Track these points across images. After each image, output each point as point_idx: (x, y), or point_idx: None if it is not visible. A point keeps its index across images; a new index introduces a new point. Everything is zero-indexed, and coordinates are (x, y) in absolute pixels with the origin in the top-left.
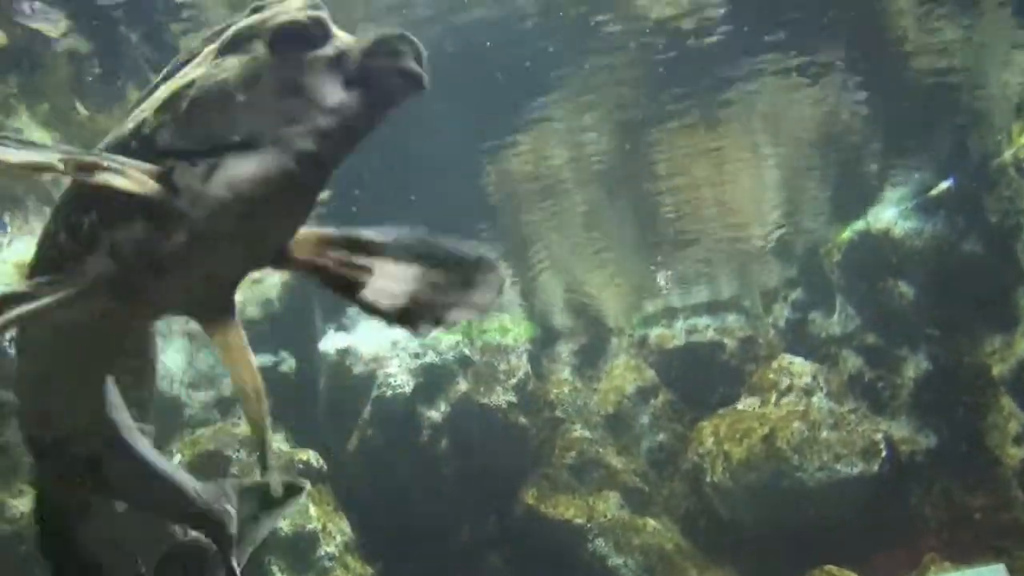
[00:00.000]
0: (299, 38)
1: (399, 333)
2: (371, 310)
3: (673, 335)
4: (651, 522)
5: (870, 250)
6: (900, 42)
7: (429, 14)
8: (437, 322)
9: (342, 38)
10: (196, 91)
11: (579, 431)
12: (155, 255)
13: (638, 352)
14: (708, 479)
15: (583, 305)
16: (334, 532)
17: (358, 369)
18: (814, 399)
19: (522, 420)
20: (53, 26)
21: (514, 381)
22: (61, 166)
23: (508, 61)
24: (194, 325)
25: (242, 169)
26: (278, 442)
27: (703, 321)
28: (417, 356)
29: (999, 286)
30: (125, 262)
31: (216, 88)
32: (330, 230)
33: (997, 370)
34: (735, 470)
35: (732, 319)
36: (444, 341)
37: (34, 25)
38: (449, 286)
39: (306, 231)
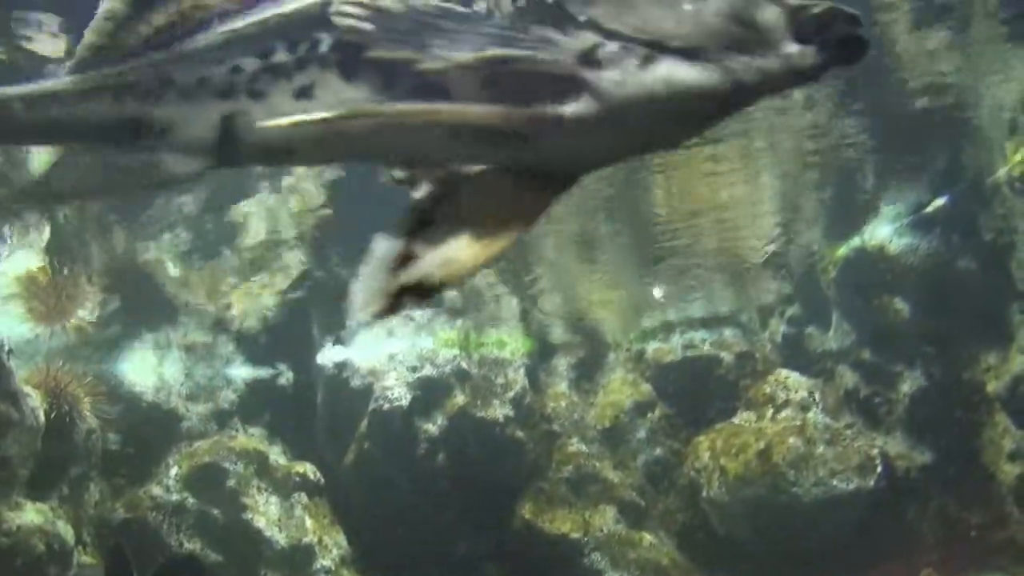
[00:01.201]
0: None
1: (397, 346)
2: None
3: (670, 349)
4: (647, 536)
5: (866, 266)
6: (895, 60)
7: None
8: None
9: None
10: None
11: (576, 445)
12: (553, 116)
13: (635, 366)
14: (704, 494)
15: (581, 319)
16: (330, 545)
17: (355, 382)
18: (810, 414)
19: (519, 434)
20: (54, 47)
21: (511, 395)
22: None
23: None
24: (191, 338)
25: (685, 73)
26: (275, 455)
27: (700, 336)
28: (414, 369)
29: (994, 303)
30: (504, 107)
31: None
32: None
33: (992, 387)
34: (731, 485)
35: (729, 334)
36: (442, 354)
37: (34, 48)
38: None
39: None
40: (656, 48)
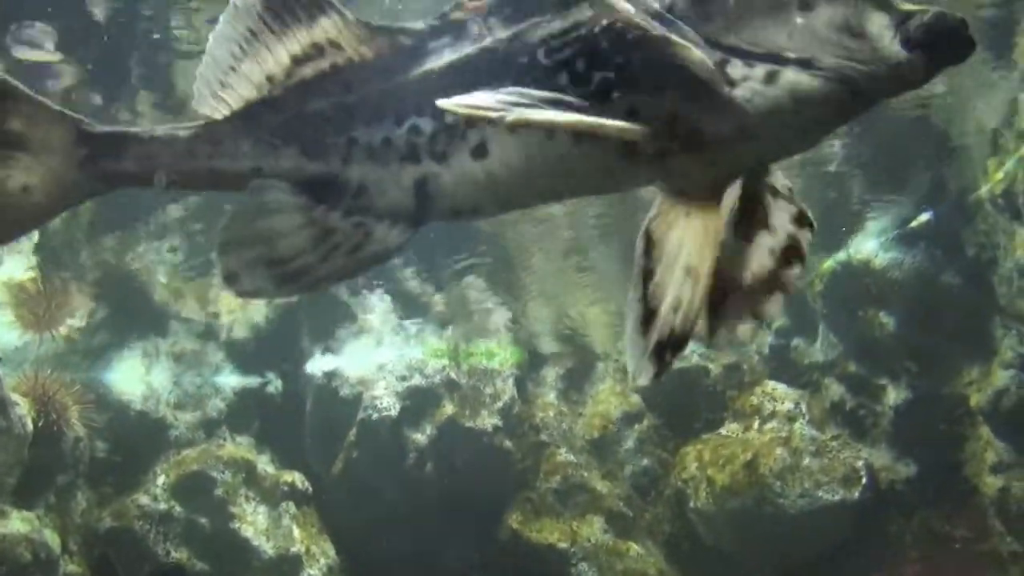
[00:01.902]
0: None
1: (386, 356)
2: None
3: None
4: (634, 546)
5: (851, 280)
6: None
7: None
8: None
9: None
10: None
11: (564, 455)
12: (693, 132)
13: (624, 377)
14: (691, 504)
15: (569, 329)
16: (318, 555)
17: (344, 391)
18: (796, 426)
19: (507, 444)
20: (49, 55)
21: (500, 405)
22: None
23: None
24: (180, 346)
25: (808, 83)
26: (263, 463)
27: (688, 347)
28: (404, 379)
29: (976, 317)
30: (652, 125)
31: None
32: None
33: (975, 400)
34: (718, 496)
35: None
36: (431, 364)
37: (30, 57)
38: None
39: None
40: (775, 61)
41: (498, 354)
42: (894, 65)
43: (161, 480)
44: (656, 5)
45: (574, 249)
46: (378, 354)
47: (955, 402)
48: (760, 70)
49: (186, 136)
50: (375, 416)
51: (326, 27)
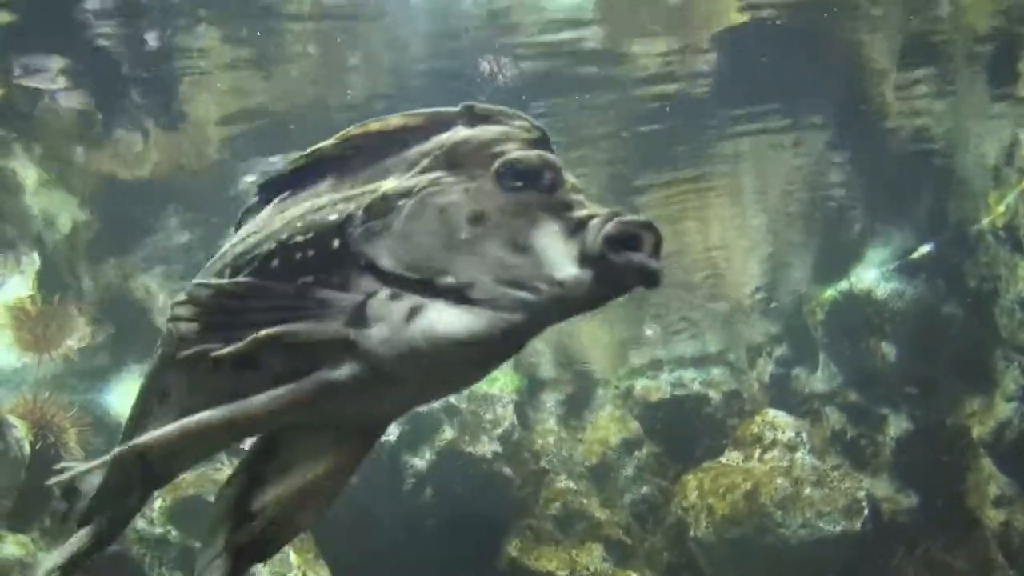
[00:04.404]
0: (529, 179)
1: None
2: None
3: (658, 387)
4: (633, 575)
5: (853, 310)
6: (882, 110)
7: (423, 67)
8: None
9: (578, 199)
10: (416, 205)
11: (564, 482)
12: (325, 382)
13: (623, 403)
14: (691, 533)
15: (569, 356)
16: None
17: None
18: (797, 455)
19: (507, 470)
20: (50, 81)
21: (500, 431)
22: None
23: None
24: None
25: (448, 324)
26: None
27: (689, 374)
28: None
29: (978, 349)
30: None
31: (440, 212)
32: None
33: (977, 432)
34: (718, 525)
35: (717, 373)
36: None
37: (32, 84)
38: None
39: None
40: (426, 290)
41: (498, 380)
42: (554, 285)
43: (158, 504)
44: (334, 217)
45: None
46: None
47: (957, 433)
48: (404, 305)
49: None
50: None
51: None
